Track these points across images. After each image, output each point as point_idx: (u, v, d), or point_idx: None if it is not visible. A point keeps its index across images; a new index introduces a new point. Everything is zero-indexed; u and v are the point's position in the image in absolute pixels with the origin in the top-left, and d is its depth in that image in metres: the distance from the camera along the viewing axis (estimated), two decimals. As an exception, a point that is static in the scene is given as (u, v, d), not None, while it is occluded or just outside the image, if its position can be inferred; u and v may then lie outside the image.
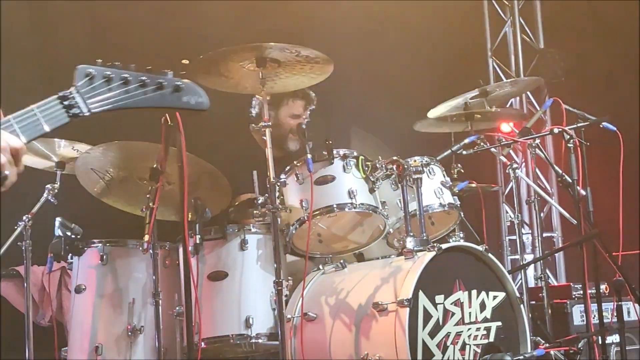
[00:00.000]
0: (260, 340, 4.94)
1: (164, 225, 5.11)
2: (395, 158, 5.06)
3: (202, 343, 4.87)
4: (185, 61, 4.23)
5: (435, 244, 4.79)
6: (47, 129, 2.30)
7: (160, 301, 4.97)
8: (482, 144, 5.64)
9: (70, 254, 5.27)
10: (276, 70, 5.06)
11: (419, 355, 4.48)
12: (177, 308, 5.04)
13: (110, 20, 7.27)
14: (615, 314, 5.09)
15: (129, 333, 5.09)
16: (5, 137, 2.17)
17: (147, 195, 4.68)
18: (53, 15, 6.90)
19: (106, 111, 2.40)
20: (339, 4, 8.35)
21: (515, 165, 6.19)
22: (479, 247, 4.96)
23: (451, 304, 4.73)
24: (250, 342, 4.95)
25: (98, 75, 2.39)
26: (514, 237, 8.30)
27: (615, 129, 5.40)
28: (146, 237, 4.59)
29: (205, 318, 4.87)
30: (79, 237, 5.20)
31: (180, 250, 5.02)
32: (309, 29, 7.96)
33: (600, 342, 5.15)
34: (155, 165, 4.68)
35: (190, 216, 4.79)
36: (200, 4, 7.66)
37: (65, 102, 2.34)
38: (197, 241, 4.87)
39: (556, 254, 9.38)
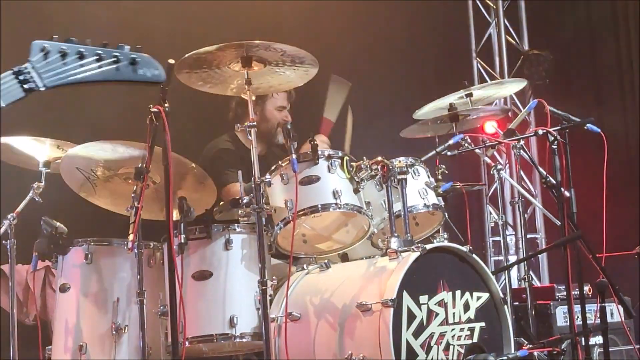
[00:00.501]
0: (244, 340, 4.95)
1: (149, 225, 5.11)
2: (380, 159, 5.08)
3: (187, 342, 4.88)
4: (171, 61, 4.24)
5: (419, 245, 4.81)
6: (2, 103, 2.30)
7: (144, 300, 4.95)
8: (466, 145, 5.65)
9: (54, 253, 5.26)
10: (262, 71, 5.07)
11: (403, 355, 4.50)
12: (162, 307, 5.04)
13: (95, 20, 7.25)
14: (598, 315, 5.11)
15: (114, 332, 5.09)
16: None
17: (132, 195, 4.68)
18: (42, 13, 6.88)
19: (62, 85, 2.39)
20: (324, 4, 8.35)
21: (499, 167, 6.22)
22: (463, 248, 4.99)
23: (435, 304, 4.74)
24: (234, 342, 4.96)
25: (53, 50, 2.38)
26: (497, 238, 8.35)
27: (599, 130, 5.43)
28: (131, 237, 4.58)
29: (189, 317, 4.87)
30: (63, 235, 5.19)
31: (165, 249, 5.02)
32: (293, 29, 7.97)
33: (583, 343, 5.17)
34: (140, 165, 4.67)
35: (175, 215, 4.79)
36: (187, 4, 7.66)
37: (20, 77, 2.33)
38: (182, 241, 4.86)
39: (540, 255, 9.41)
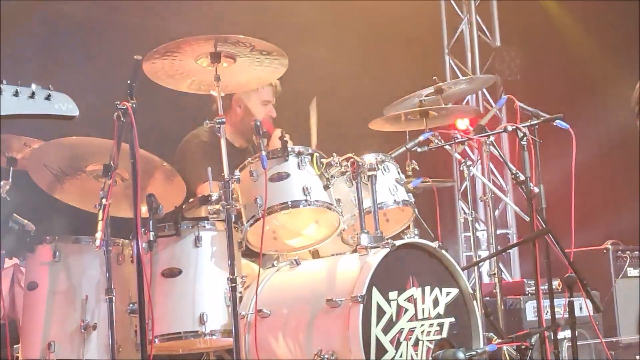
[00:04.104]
0: (214, 337, 4.93)
1: (118, 222, 5.08)
2: (349, 155, 5.08)
3: (156, 340, 4.86)
4: (137, 57, 4.21)
5: (389, 241, 4.81)
6: None
7: (113, 298, 4.92)
8: (436, 141, 5.66)
9: (22, 251, 5.22)
10: (231, 67, 5.04)
11: (372, 351, 4.50)
12: (131, 305, 5.00)
13: (65, 17, 7.22)
14: (567, 310, 5.14)
15: (82, 330, 5.05)
16: None
17: (100, 192, 4.65)
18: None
19: None
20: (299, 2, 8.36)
21: (469, 163, 6.21)
22: (433, 244, 4.99)
23: (405, 300, 4.75)
24: (204, 339, 4.94)
25: None
26: (469, 234, 8.36)
27: (568, 126, 5.45)
28: (99, 234, 4.55)
29: (159, 315, 4.85)
30: (31, 233, 5.16)
31: (134, 246, 4.99)
32: (264, 26, 7.95)
33: (552, 338, 5.20)
34: (108, 162, 4.64)
35: (143, 212, 4.76)
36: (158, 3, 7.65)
37: None
38: (151, 238, 4.84)
39: (511, 251, 9.45)
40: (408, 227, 5.50)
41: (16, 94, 2.57)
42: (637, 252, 7.63)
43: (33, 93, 2.61)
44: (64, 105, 2.66)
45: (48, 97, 2.65)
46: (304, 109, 6.93)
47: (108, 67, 7.00)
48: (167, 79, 5.08)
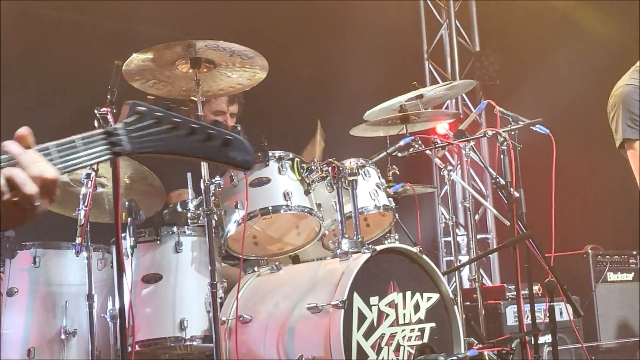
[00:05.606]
0: (194, 343, 4.92)
1: (98, 228, 5.07)
2: (330, 160, 5.08)
3: (136, 346, 4.84)
4: (117, 62, 4.20)
5: (370, 246, 4.81)
6: (86, 163, 2.12)
7: (93, 304, 4.92)
8: (417, 146, 5.66)
9: (1, 257, 5.20)
10: (211, 72, 5.03)
11: (354, 357, 4.49)
12: (111, 311, 5.00)
13: (41, 20, 7.19)
14: (547, 314, 5.15)
15: (62, 336, 5.04)
16: (41, 166, 1.96)
17: (80, 197, 4.63)
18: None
19: (150, 153, 2.22)
20: (277, 4, 8.35)
21: (449, 168, 6.22)
22: (413, 249, 4.99)
23: (385, 305, 4.75)
24: (184, 345, 4.93)
25: (148, 114, 2.19)
26: (449, 239, 8.38)
27: (548, 131, 5.46)
28: (79, 240, 4.55)
29: (139, 321, 4.84)
30: (10, 239, 5.13)
31: (114, 252, 4.97)
32: (245, 31, 7.95)
33: (532, 342, 5.21)
34: (88, 168, 4.63)
35: (123, 218, 4.75)
36: (136, 4, 7.61)
37: (110, 139, 2.11)
38: (131, 243, 4.84)
39: (491, 256, 9.47)
40: (389, 232, 5.50)
41: (192, 132, 2.30)
42: (617, 256, 7.66)
43: (209, 135, 2.34)
44: (239, 155, 2.38)
45: (226, 143, 2.37)
46: (284, 114, 6.94)
47: (87, 71, 6.98)
48: (146, 83, 5.05)
